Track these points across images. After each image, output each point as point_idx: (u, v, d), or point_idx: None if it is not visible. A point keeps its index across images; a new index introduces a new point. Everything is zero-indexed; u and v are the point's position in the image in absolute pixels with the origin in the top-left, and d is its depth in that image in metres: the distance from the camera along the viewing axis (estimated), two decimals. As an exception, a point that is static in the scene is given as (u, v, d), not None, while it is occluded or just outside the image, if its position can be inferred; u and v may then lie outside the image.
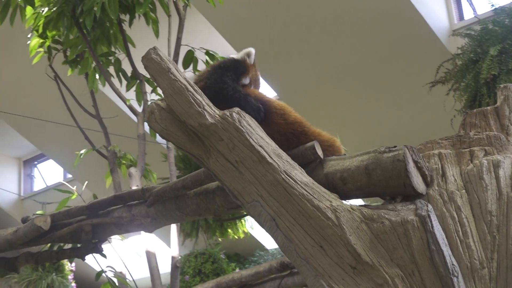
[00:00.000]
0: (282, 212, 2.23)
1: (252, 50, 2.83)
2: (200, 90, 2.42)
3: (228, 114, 2.33)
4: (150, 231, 3.06)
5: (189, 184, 2.76)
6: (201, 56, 4.98)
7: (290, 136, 2.52)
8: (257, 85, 2.86)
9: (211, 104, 2.39)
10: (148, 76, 5.30)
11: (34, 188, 16.07)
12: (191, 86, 2.39)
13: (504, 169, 2.25)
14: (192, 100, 2.34)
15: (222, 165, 2.34)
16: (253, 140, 2.29)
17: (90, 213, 3.21)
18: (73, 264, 11.90)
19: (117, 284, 4.25)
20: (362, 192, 2.33)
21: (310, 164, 2.44)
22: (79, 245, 3.38)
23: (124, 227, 3.10)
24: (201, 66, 4.84)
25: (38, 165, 16.63)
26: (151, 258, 4.54)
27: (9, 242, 3.40)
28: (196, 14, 9.09)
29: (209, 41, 10.20)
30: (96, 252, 3.35)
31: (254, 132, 2.33)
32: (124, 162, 5.44)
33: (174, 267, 4.52)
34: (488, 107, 2.57)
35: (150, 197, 2.91)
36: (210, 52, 4.84)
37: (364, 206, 2.23)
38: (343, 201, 2.27)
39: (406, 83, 8.18)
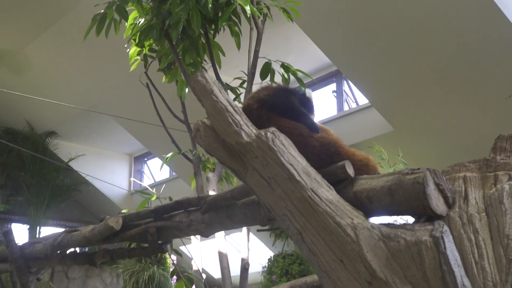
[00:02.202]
0: (308, 226, 2.39)
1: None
2: (240, 110, 2.62)
3: (263, 133, 2.52)
4: (206, 236, 3.29)
5: (237, 195, 2.96)
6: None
7: (323, 156, 2.66)
8: None
9: (249, 124, 2.59)
10: (231, 85, 5.57)
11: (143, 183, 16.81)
12: (232, 107, 2.59)
13: (525, 195, 2.29)
14: (231, 120, 2.55)
15: (257, 181, 2.52)
16: (284, 158, 2.47)
17: (156, 216, 3.49)
18: (174, 258, 12.34)
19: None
20: (387, 210, 2.44)
21: (342, 182, 2.58)
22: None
23: (184, 231, 3.35)
24: (278, 78, 5.03)
25: (147, 162, 17.40)
26: (222, 258, 4.76)
27: (86, 239, 3.73)
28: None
29: (305, 49, 10.39)
30: (162, 252, 3.62)
31: (286, 151, 2.50)
32: (208, 166, 5.72)
33: (243, 269, 4.71)
34: (520, 132, 2.60)
35: (204, 205, 3.15)
36: (285, 64, 5.00)
37: (385, 224, 2.35)
38: (369, 219, 2.41)
39: (493, 92, 8.00)
